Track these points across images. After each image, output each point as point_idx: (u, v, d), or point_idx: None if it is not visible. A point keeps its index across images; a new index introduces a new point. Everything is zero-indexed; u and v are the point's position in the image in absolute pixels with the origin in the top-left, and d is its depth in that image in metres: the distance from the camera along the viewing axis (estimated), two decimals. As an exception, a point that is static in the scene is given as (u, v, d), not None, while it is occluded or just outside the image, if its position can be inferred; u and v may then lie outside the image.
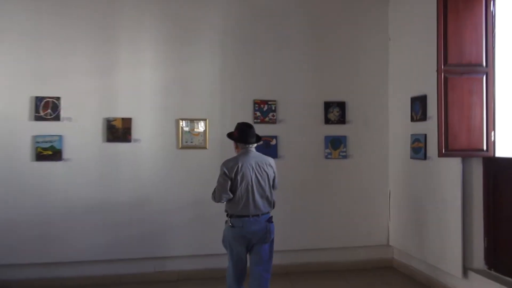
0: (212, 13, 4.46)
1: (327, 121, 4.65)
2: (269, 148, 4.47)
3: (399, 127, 4.57)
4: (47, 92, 4.12)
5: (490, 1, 3.45)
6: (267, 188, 3.12)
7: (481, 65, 3.46)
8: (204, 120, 4.41)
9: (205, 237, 4.30)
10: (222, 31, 4.48)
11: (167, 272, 4.34)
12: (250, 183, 3.04)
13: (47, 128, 4.11)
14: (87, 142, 4.19)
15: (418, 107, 4.18)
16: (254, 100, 4.52)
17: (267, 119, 4.54)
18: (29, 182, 4.07)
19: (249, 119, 4.37)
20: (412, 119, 4.29)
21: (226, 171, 3.04)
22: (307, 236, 4.58)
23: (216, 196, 3.11)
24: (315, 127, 4.64)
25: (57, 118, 4.13)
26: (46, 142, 4.10)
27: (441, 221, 3.87)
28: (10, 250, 4.02)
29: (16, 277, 4.05)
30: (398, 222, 4.63)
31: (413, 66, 4.30)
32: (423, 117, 4.09)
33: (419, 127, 4.18)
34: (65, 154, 4.14)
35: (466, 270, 3.61)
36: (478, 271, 3.55)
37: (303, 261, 4.60)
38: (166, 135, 4.36)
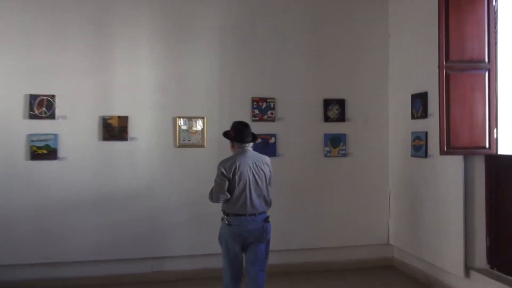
0: (210, 10, 4.40)
1: (327, 119, 4.60)
2: (268, 146, 4.42)
3: (400, 124, 4.52)
4: (41, 90, 4.05)
5: (492, -5, 3.41)
6: (264, 187, 3.09)
7: (483, 61, 3.41)
8: (202, 118, 4.35)
9: (203, 237, 4.25)
10: (220, 28, 4.41)
11: (166, 272, 4.29)
12: (247, 182, 3.00)
13: (42, 126, 4.05)
14: (82, 141, 4.13)
15: (419, 104, 4.13)
16: (252, 98, 4.47)
17: (265, 117, 4.48)
18: (24, 182, 4.01)
19: (247, 117, 4.32)
20: (413, 117, 4.24)
21: (224, 171, 2.99)
22: (306, 235, 4.54)
23: (214, 196, 3.07)
24: (314, 125, 4.59)
25: (52, 116, 4.06)
26: (41, 141, 4.03)
27: (442, 220, 3.82)
28: (5, 250, 3.96)
29: (15, 277, 3.98)
30: (398, 221, 4.59)
31: (413, 62, 4.24)
32: (424, 114, 4.04)
33: (420, 125, 4.13)
34: (60, 153, 4.08)
35: (468, 269, 3.57)
36: (480, 271, 3.50)
37: (303, 260, 4.56)
38: (163, 134, 4.29)
